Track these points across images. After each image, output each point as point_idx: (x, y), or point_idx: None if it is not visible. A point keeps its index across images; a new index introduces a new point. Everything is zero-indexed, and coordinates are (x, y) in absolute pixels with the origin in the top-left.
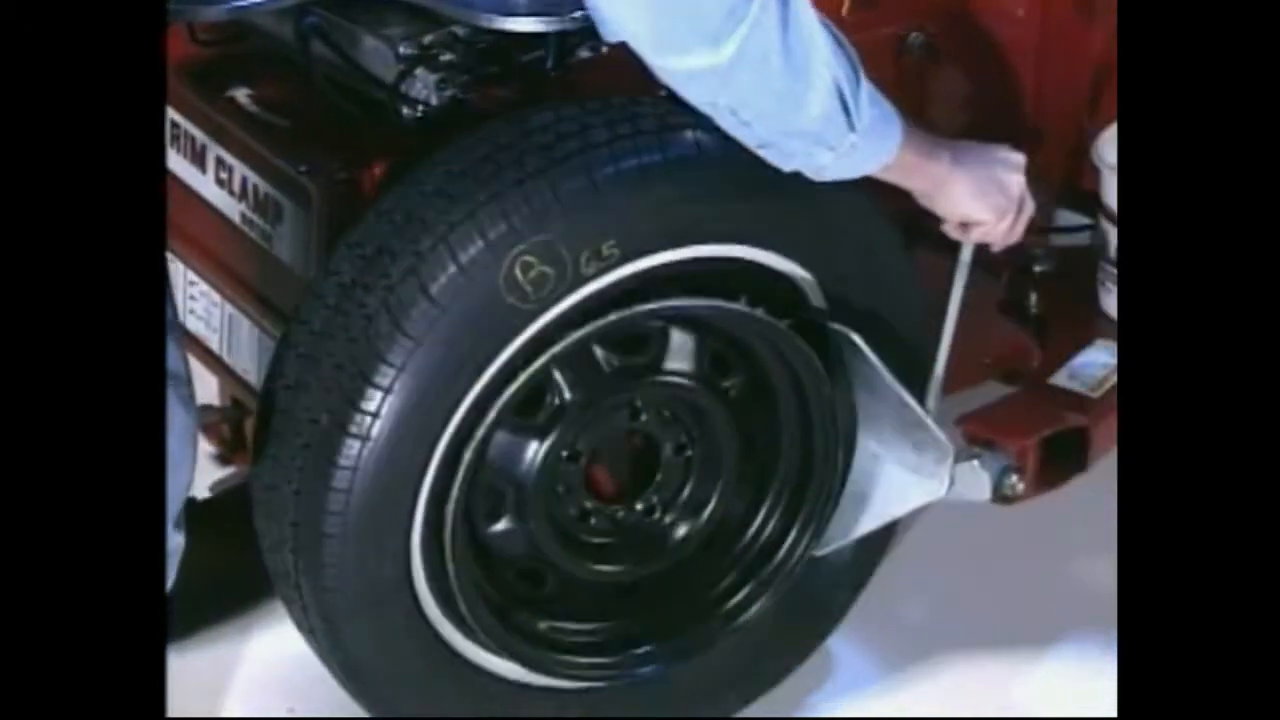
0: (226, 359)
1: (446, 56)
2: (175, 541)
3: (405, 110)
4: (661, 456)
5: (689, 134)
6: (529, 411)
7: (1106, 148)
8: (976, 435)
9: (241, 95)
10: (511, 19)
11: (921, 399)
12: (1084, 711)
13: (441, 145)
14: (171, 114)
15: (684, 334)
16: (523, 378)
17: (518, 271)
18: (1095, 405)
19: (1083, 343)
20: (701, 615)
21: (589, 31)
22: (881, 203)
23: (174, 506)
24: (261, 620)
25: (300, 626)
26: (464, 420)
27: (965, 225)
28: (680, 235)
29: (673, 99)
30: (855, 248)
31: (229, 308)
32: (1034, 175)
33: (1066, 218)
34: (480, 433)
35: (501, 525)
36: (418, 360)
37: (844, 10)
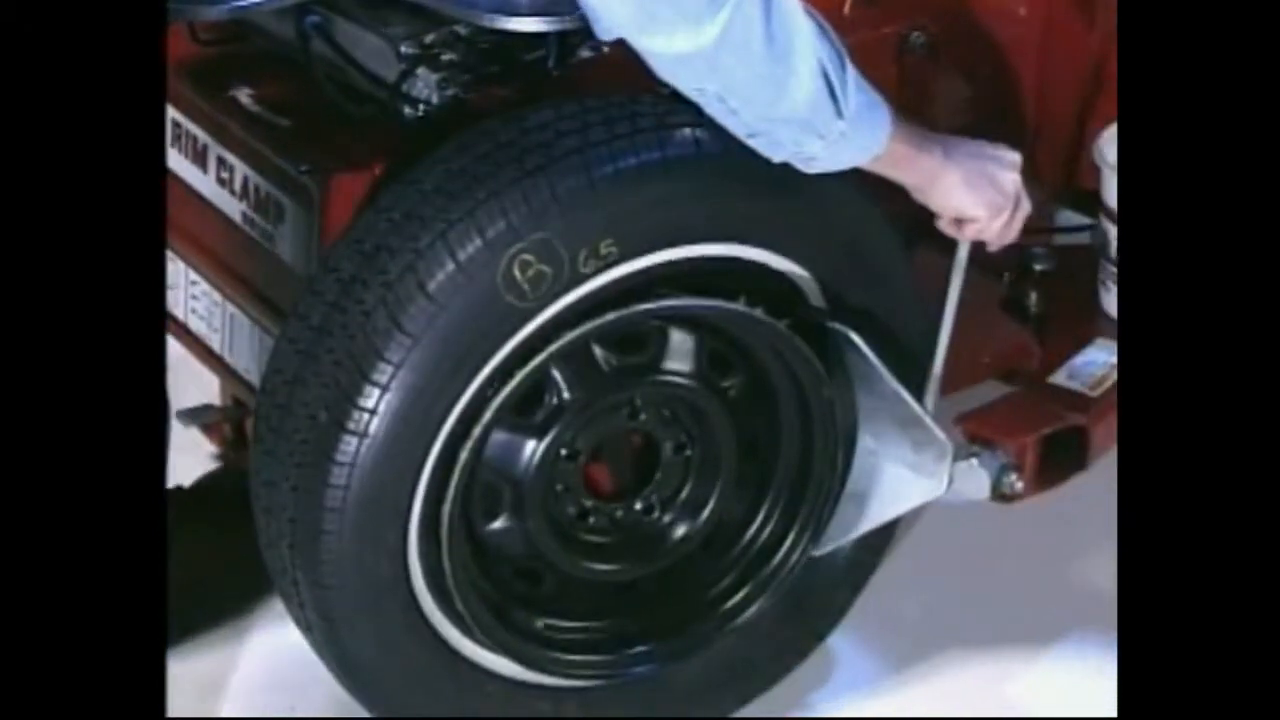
0: (228, 359)
1: (448, 56)
2: None
3: (407, 110)
4: (661, 456)
5: (688, 132)
6: (528, 410)
7: (1108, 147)
8: (976, 434)
9: (243, 95)
10: (513, 18)
11: (920, 398)
12: (1084, 711)
13: (443, 145)
14: (173, 113)
15: (683, 334)
16: (520, 376)
17: (516, 270)
18: (1095, 404)
19: (1083, 342)
20: (699, 615)
21: (590, 31)
22: (881, 203)
23: None
24: (262, 618)
25: (298, 623)
26: (461, 418)
27: (960, 222)
28: (679, 234)
29: (672, 98)
30: (853, 247)
31: (230, 307)
32: (1031, 174)
33: (1066, 218)
34: (478, 431)
35: (499, 523)
36: (415, 358)
37: (846, 9)
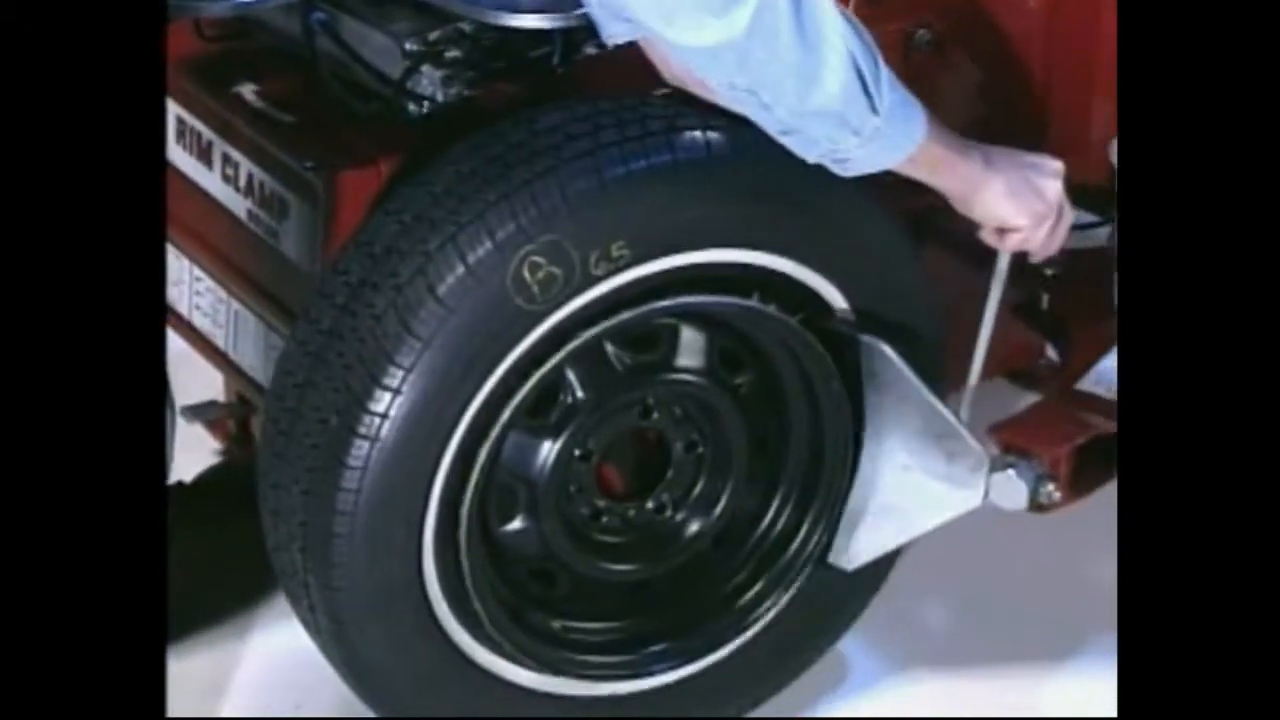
0: (232, 355)
1: (453, 53)
2: None
3: (411, 107)
4: (672, 454)
5: (699, 135)
6: (542, 410)
7: None
8: (1011, 444)
9: (248, 91)
10: (517, 15)
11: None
12: (1100, 713)
13: (447, 142)
14: (178, 110)
15: (694, 331)
16: (539, 375)
17: (525, 272)
18: None
19: (1106, 345)
20: (714, 612)
21: (594, 28)
22: (891, 203)
23: None
24: (266, 616)
25: (306, 625)
26: (475, 420)
27: (1003, 232)
28: (692, 238)
29: (683, 99)
30: (868, 254)
31: (235, 304)
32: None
33: (1077, 217)
34: (495, 431)
35: (515, 525)
36: (426, 361)
37: (850, 6)
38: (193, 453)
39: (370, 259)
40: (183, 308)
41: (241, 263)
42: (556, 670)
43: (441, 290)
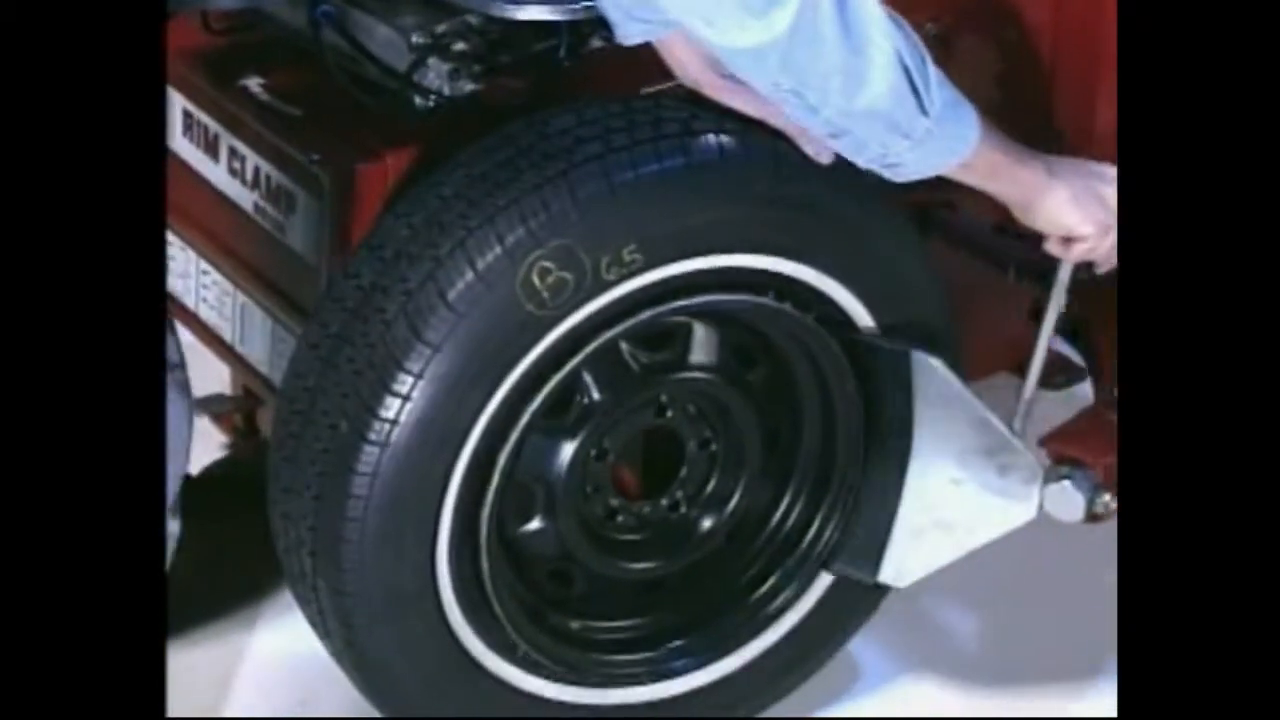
0: (239, 348)
1: (459, 46)
2: (170, 528)
3: (418, 99)
4: (686, 452)
5: (712, 139)
6: (558, 412)
7: None
8: (1063, 455)
9: (254, 84)
10: (524, 8)
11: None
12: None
13: (454, 135)
14: (184, 103)
15: (707, 328)
16: (555, 381)
17: (535, 277)
18: None
19: None
20: (730, 608)
21: (601, 21)
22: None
23: (169, 494)
24: (271, 612)
25: (315, 627)
26: (491, 425)
27: (1067, 241)
28: (706, 244)
29: (696, 101)
30: (882, 256)
31: (241, 297)
32: None
33: None
34: (515, 434)
35: (532, 525)
36: (436, 367)
37: None
38: (198, 445)
39: (380, 263)
40: (189, 301)
41: (248, 256)
42: (578, 673)
43: (451, 296)
